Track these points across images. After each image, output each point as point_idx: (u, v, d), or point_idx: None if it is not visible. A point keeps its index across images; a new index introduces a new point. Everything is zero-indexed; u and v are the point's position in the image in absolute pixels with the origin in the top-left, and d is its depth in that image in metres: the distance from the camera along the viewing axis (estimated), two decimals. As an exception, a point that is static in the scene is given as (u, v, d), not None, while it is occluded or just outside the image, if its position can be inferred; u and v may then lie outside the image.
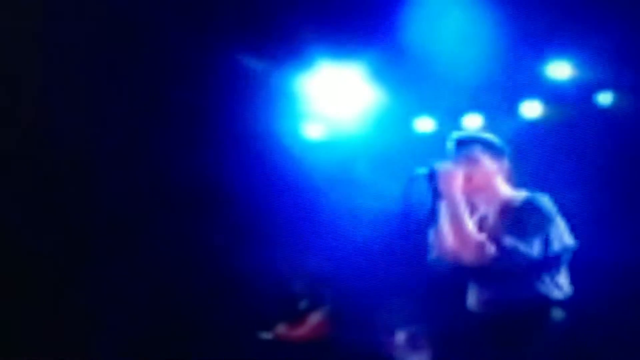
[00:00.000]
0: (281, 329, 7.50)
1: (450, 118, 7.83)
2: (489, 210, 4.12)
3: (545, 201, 4.00)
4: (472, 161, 4.13)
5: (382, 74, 7.66)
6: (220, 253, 8.28)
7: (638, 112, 7.34)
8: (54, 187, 7.99)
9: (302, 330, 7.40)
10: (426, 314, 7.51)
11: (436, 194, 4.06)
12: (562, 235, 4.00)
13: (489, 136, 4.26)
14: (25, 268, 7.90)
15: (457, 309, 4.28)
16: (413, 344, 7.47)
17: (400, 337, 7.52)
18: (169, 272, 8.20)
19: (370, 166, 7.91)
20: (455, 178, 4.03)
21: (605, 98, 7.54)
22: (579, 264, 4.13)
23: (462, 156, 4.14)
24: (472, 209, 4.13)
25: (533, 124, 7.77)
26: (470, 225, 3.97)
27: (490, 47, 6.87)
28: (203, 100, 7.72)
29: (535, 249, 3.89)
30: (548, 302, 3.96)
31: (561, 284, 4.01)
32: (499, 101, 7.73)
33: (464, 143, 4.19)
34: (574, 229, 4.07)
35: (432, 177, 4.06)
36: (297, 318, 7.50)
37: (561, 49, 7.33)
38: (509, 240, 3.87)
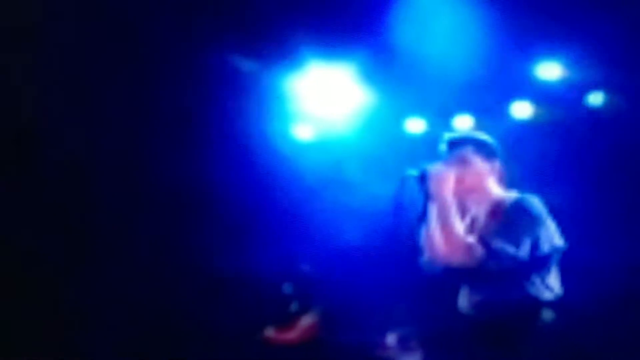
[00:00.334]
0: (272, 332, 7.48)
1: (440, 119, 7.83)
2: (480, 212, 4.11)
3: (535, 202, 3.99)
4: (463, 162, 4.11)
5: (373, 74, 7.65)
6: (211, 255, 8.27)
7: (628, 112, 7.35)
8: (49, 188, 7.98)
9: (293, 334, 7.39)
10: (417, 315, 7.51)
11: (427, 196, 4.05)
12: (552, 236, 4.00)
13: (482, 137, 4.24)
14: (21, 268, 7.89)
15: (449, 311, 4.27)
16: (404, 345, 7.47)
17: (392, 339, 7.52)
18: (159, 274, 8.18)
19: (361, 167, 7.90)
20: (446, 180, 4.02)
21: (595, 98, 7.55)
22: (569, 265, 4.12)
23: (453, 157, 4.13)
24: (464, 210, 4.12)
25: (523, 125, 7.78)
26: (460, 227, 3.96)
27: (480, 48, 6.87)
28: (193, 101, 7.70)
29: (525, 250, 3.88)
30: (538, 304, 3.96)
31: (551, 285, 4.00)
32: (489, 102, 7.73)
33: (456, 144, 4.18)
34: (564, 229, 4.06)
35: (423, 178, 4.05)
36: (287, 321, 7.48)
37: (551, 49, 7.34)
38: (498, 242, 3.86)
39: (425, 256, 4.12)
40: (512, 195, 4.09)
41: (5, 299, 7.67)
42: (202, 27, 7.03)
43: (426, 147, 4.70)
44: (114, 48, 7.12)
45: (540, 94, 7.68)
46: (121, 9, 6.65)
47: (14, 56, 6.82)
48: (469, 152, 4.14)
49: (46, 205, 7.93)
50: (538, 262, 3.94)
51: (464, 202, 4.12)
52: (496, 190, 4.15)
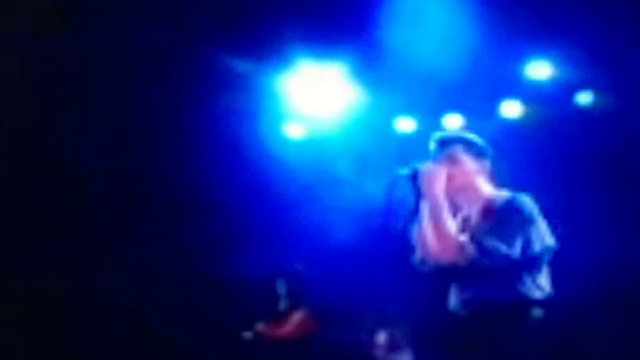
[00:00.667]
0: (263, 327, 7.47)
1: (430, 118, 7.84)
2: (471, 211, 4.12)
3: (527, 201, 3.99)
4: (454, 161, 4.12)
5: (363, 74, 7.66)
6: (203, 254, 8.27)
7: (618, 111, 7.37)
8: (47, 189, 7.98)
9: (285, 329, 7.38)
10: (408, 314, 7.52)
11: (418, 194, 4.06)
12: (544, 236, 3.99)
13: (471, 136, 4.25)
14: (20, 269, 7.89)
15: (439, 309, 4.27)
16: (394, 344, 7.48)
17: (382, 337, 7.53)
18: (151, 273, 8.18)
19: (352, 166, 7.91)
20: (437, 179, 4.02)
21: (585, 98, 7.57)
22: (560, 264, 4.13)
23: (444, 156, 4.14)
24: (455, 209, 4.12)
25: (513, 124, 7.80)
26: (451, 226, 3.96)
27: (470, 47, 6.88)
28: (184, 101, 7.70)
29: (516, 249, 3.88)
30: (529, 303, 3.96)
31: (542, 285, 4.00)
32: (479, 101, 7.75)
33: (446, 143, 4.18)
34: (555, 229, 4.07)
35: (414, 177, 4.05)
36: (278, 318, 7.48)
37: (541, 48, 7.36)
38: (489, 241, 3.86)
39: (417, 255, 4.12)
40: (503, 194, 4.09)
41: (5, 298, 7.67)
42: (193, 27, 7.03)
43: (416, 146, 4.69)
44: (105, 49, 7.11)
45: (530, 93, 7.70)
46: (114, 10, 6.65)
47: (13, 56, 6.81)
48: (458, 151, 4.15)
49: (45, 206, 7.93)
50: (529, 262, 3.94)
51: (455, 201, 4.13)
52: (487, 189, 4.16)
